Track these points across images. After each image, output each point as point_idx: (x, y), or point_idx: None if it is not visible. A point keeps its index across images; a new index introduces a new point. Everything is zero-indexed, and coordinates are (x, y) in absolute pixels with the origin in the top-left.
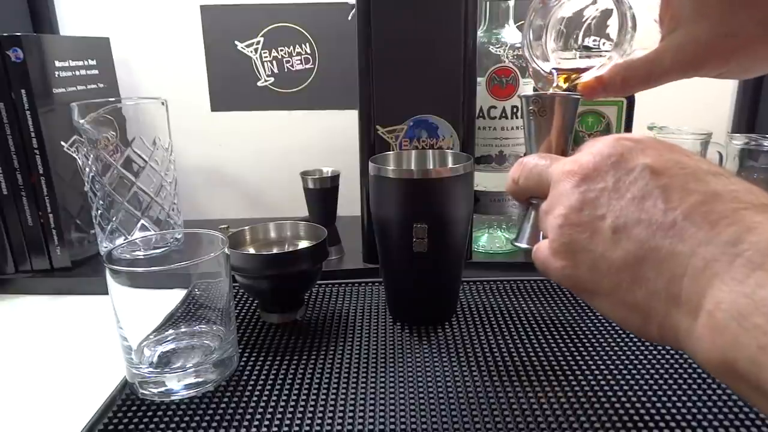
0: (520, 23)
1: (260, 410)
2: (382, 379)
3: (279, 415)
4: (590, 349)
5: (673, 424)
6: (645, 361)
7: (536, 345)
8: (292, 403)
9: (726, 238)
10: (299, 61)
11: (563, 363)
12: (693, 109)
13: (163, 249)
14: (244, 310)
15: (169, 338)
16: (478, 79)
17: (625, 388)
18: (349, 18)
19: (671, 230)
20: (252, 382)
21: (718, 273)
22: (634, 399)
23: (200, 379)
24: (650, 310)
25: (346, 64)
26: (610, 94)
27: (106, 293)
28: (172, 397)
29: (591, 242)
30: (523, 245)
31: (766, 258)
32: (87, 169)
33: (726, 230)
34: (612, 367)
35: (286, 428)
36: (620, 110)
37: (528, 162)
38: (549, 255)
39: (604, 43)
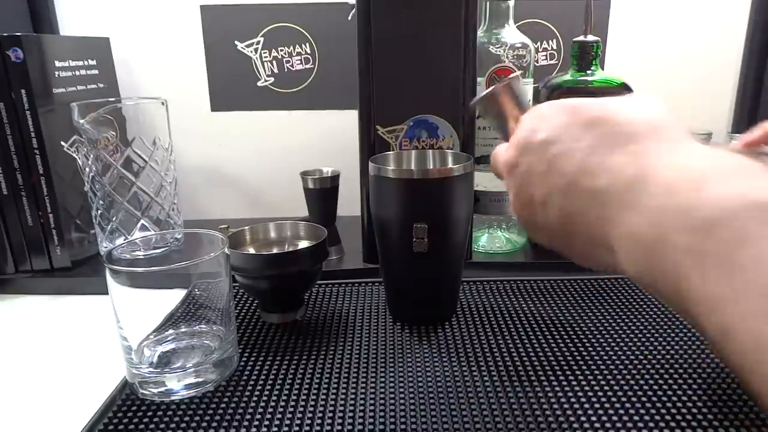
0: (520, 23)
1: (260, 410)
2: (382, 379)
3: (279, 415)
4: (590, 349)
5: (673, 424)
6: (645, 361)
7: (536, 345)
8: (292, 403)
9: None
10: (299, 61)
11: (563, 363)
12: (693, 109)
13: (163, 249)
14: (244, 310)
15: (169, 338)
16: (478, 79)
17: (625, 388)
18: (349, 18)
19: (571, 190)
20: (252, 382)
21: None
22: (634, 399)
23: (200, 379)
24: (590, 247)
25: (346, 64)
26: None
27: (106, 293)
28: (172, 397)
29: (535, 216)
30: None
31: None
32: (87, 169)
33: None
34: (612, 367)
35: (286, 428)
36: None
37: (492, 157)
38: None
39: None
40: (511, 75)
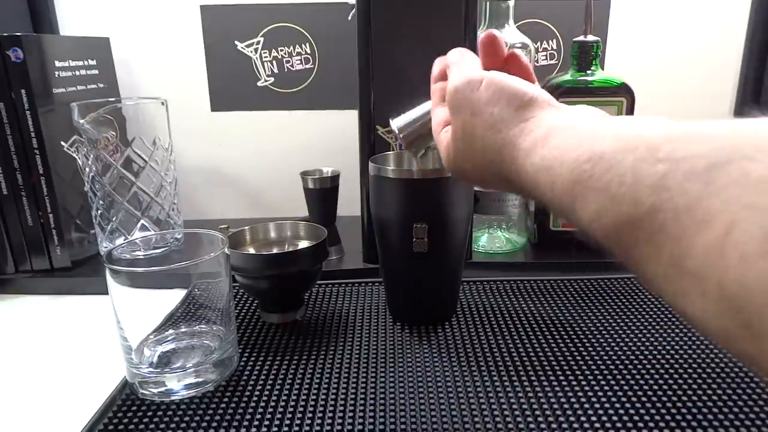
0: (520, 23)
1: (260, 410)
2: (382, 379)
3: (279, 415)
4: (590, 349)
5: (673, 424)
6: (645, 361)
7: (536, 345)
8: (292, 403)
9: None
10: (299, 61)
11: (563, 363)
12: (693, 109)
13: (163, 249)
14: (244, 310)
15: (169, 338)
16: None
17: (625, 388)
18: (349, 18)
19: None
20: (252, 382)
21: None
22: (634, 399)
23: (200, 379)
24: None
25: (346, 64)
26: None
27: (106, 293)
28: (172, 397)
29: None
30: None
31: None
32: (87, 169)
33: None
34: (612, 367)
35: (286, 428)
36: (620, 110)
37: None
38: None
39: None
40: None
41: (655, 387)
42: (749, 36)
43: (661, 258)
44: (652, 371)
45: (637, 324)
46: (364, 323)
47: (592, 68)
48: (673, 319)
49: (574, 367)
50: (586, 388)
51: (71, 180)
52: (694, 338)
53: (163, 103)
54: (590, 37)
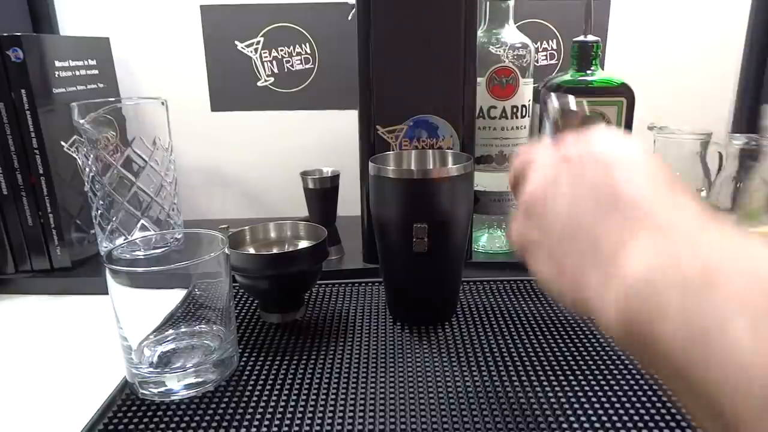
0: (520, 23)
1: (260, 410)
2: (382, 379)
3: (279, 415)
4: (590, 349)
5: (673, 424)
6: None
7: (536, 345)
8: (292, 403)
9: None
10: (299, 61)
11: (563, 363)
12: (693, 109)
13: (163, 249)
14: (244, 310)
15: (169, 338)
16: (478, 79)
17: (625, 388)
18: (349, 18)
19: (596, 213)
20: (252, 382)
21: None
22: (634, 399)
23: (200, 379)
24: (575, 275)
25: (346, 64)
26: None
27: (106, 293)
28: (172, 397)
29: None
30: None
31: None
32: (87, 169)
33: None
34: (612, 367)
35: (286, 428)
36: (620, 110)
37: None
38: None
39: None
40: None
41: (655, 387)
42: (749, 36)
43: None
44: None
45: None
46: (364, 323)
47: (592, 68)
48: None
49: (574, 367)
50: (586, 388)
51: (71, 180)
52: None
53: (163, 103)
54: (590, 37)
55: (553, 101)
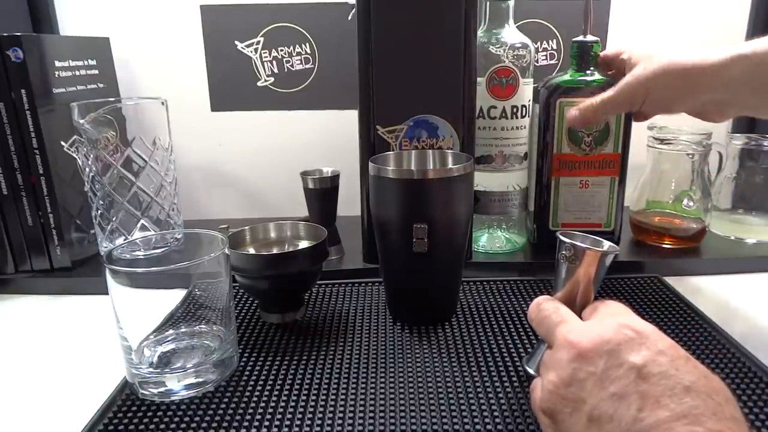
0: (520, 23)
1: (260, 410)
2: (382, 379)
3: (279, 415)
4: None
5: None
6: None
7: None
8: (292, 403)
9: None
10: (299, 61)
11: None
12: None
13: (163, 249)
14: (244, 310)
15: (169, 338)
16: (478, 79)
17: None
18: (349, 18)
19: None
20: (252, 382)
21: None
22: None
23: (200, 379)
24: None
25: (346, 64)
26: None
27: (106, 293)
28: (172, 398)
29: (569, 417)
30: (531, 371)
31: None
32: (87, 169)
33: None
34: None
35: (286, 428)
36: None
37: (543, 309)
38: (537, 404)
39: None
40: (614, 250)
41: None
42: (749, 36)
43: None
44: None
45: None
46: (364, 323)
47: (592, 68)
48: (673, 320)
49: None
50: None
51: (71, 180)
52: (693, 338)
53: (163, 103)
54: (590, 37)
55: (567, 245)
